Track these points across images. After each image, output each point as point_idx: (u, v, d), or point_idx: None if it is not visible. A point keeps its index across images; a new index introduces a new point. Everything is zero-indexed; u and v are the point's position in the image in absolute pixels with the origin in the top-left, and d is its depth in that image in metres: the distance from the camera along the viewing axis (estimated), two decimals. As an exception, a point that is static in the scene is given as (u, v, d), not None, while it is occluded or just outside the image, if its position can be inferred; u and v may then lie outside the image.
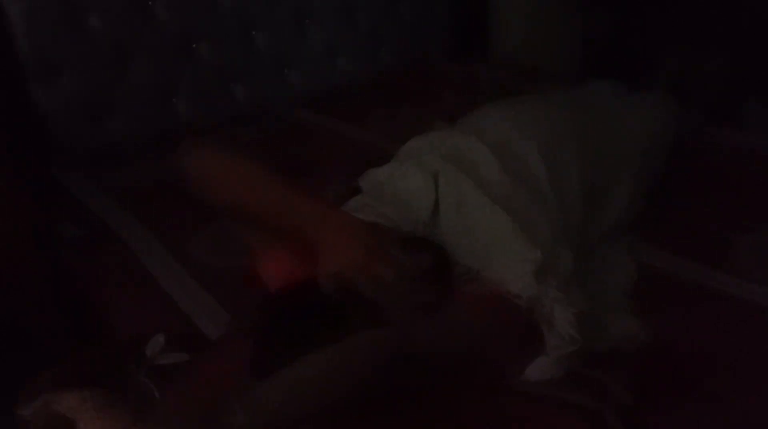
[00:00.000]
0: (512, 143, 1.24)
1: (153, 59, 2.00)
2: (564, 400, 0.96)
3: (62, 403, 0.91)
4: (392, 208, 1.16)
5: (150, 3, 1.97)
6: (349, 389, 0.86)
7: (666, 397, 1.01)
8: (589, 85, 1.64)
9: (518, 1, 2.65)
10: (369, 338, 0.89)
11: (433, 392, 0.95)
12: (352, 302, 0.94)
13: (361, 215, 1.16)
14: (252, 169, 1.07)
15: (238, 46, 2.22)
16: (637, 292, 1.22)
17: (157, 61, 2.01)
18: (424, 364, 0.92)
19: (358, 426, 0.89)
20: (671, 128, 1.59)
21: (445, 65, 2.69)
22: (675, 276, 1.29)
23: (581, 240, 1.24)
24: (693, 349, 1.10)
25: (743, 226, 1.42)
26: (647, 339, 1.09)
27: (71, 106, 1.85)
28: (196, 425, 0.90)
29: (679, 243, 1.39)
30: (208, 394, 0.99)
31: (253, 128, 2.10)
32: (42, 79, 1.79)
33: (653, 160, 1.46)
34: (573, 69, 2.54)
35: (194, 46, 2.10)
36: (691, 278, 1.28)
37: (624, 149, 1.37)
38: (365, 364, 0.87)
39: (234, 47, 2.20)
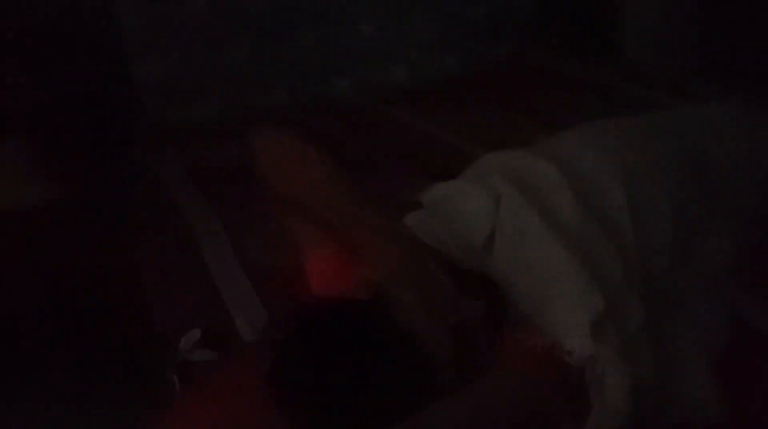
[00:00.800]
0: (592, 171, 1.09)
1: (252, 42, 2.01)
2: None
3: None
4: (445, 229, 1.06)
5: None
6: None
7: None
8: (703, 107, 1.41)
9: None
10: None
11: None
12: (386, 319, 0.88)
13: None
14: (317, 163, 1.05)
15: (341, 35, 2.18)
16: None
17: (257, 45, 2.02)
18: None
19: None
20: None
21: (559, 64, 2.50)
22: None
23: (665, 290, 1.07)
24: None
25: None
26: (725, 415, 0.93)
27: (166, 84, 1.90)
28: None
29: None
30: (224, 401, 0.97)
31: (346, 120, 2.07)
32: (137, 56, 1.84)
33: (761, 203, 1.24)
34: (694, 74, 2.26)
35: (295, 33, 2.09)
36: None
37: (729, 189, 1.18)
38: None
39: (337, 36, 2.17)
